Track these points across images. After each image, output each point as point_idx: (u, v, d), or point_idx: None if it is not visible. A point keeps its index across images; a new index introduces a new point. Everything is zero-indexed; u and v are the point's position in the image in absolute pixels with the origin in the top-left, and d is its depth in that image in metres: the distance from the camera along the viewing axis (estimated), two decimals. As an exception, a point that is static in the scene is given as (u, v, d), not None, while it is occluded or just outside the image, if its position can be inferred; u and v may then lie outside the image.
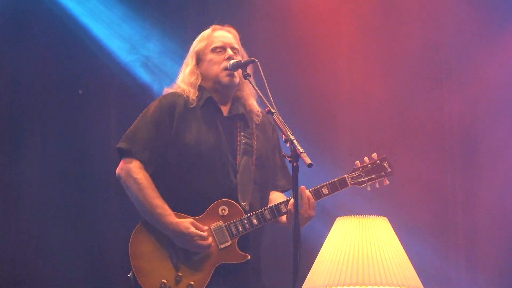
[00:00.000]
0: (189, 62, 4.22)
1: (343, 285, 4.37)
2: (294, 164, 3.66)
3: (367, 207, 5.88)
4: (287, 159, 3.69)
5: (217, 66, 4.16)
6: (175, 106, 4.12)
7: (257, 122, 4.25)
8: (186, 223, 3.98)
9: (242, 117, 4.22)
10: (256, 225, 4.06)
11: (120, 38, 6.29)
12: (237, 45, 4.22)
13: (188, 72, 4.20)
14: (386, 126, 6.19)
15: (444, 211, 6.16)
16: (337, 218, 4.65)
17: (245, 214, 4.06)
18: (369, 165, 4.26)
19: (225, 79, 4.16)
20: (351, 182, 4.22)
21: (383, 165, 4.29)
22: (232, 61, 4.13)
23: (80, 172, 6.09)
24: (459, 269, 6.09)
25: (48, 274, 5.93)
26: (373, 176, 4.27)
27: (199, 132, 4.11)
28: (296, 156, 3.65)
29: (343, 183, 4.21)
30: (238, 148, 4.15)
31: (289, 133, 3.73)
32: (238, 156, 4.13)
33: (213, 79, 4.17)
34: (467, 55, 6.20)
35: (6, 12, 6.05)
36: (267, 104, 3.89)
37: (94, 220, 6.06)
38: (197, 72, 4.19)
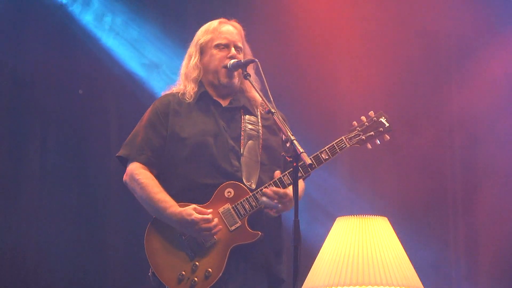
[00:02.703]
0: (193, 54, 4.24)
1: (343, 285, 4.37)
2: (294, 164, 3.66)
3: (367, 207, 5.89)
4: (287, 159, 3.69)
5: (218, 63, 4.17)
6: (169, 105, 4.17)
7: (262, 112, 4.24)
8: (189, 210, 3.99)
9: (244, 108, 4.23)
10: (263, 202, 4.05)
11: (120, 38, 6.29)
12: (241, 42, 4.23)
13: (192, 66, 4.21)
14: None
15: (444, 211, 6.16)
16: (337, 218, 4.65)
17: (251, 193, 4.06)
18: (366, 123, 4.18)
19: (224, 79, 4.18)
20: (350, 143, 4.14)
21: (381, 121, 4.20)
22: (232, 61, 4.14)
23: (80, 172, 6.09)
24: (459, 269, 6.09)
25: (48, 274, 5.93)
26: (372, 133, 4.17)
27: (195, 123, 4.14)
28: (296, 156, 3.66)
29: (341, 145, 4.13)
30: (242, 133, 4.16)
31: (289, 133, 3.74)
32: (242, 141, 4.14)
33: (213, 75, 4.19)
34: (469, 53, 6.19)
35: (6, 12, 6.05)
36: (267, 104, 3.89)
37: (94, 220, 6.07)
38: (200, 66, 4.21)
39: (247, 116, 4.21)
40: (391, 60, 6.24)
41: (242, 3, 6.35)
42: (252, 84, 4.05)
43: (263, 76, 3.97)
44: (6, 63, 6.04)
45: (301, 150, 3.65)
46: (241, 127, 4.18)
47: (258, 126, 4.21)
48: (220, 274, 3.99)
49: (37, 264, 5.94)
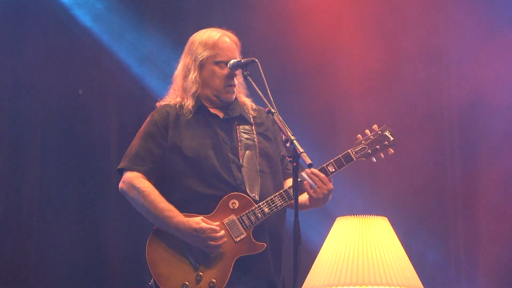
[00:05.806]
0: (191, 68, 4.20)
1: (343, 285, 4.38)
2: (294, 164, 3.67)
3: (367, 207, 5.88)
4: (287, 159, 3.70)
5: (219, 81, 4.17)
6: (168, 117, 4.16)
7: (255, 115, 4.27)
8: (197, 219, 3.99)
9: (240, 117, 4.23)
10: (268, 213, 4.05)
11: (120, 38, 6.29)
12: (238, 56, 4.22)
13: (192, 80, 4.19)
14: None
15: (444, 211, 6.16)
16: (337, 218, 4.65)
17: (256, 204, 4.06)
18: (371, 137, 4.20)
19: (225, 95, 4.18)
20: (356, 156, 4.16)
21: (385, 134, 4.23)
22: (232, 61, 4.14)
23: (80, 172, 6.09)
24: (459, 269, 6.09)
25: (48, 273, 5.93)
26: (377, 147, 4.19)
27: (194, 135, 4.13)
28: (296, 156, 3.66)
29: (348, 158, 4.14)
30: (239, 144, 4.16)
31: (289, 133, 3.74)
32: (240, 152, 4.15)
33: (214, 91, 4.19)
34: (468, 51, 6.19)
35: (6, 11, 6.05)
36: (267, 104, 3.90)
37: (94, 220, 6.06)
38: (199, 81, 4.19)
39: (241, 126, 4.22)
40: (391, 58, 6.24)
41: (242, 5, 6.34)
42: (252, 84, 4.05)
43: (263, 77, 3.97)
44: (6, 63, 6.03)
45: (301, 150, 3.66)
46: (237, 138, 4.18)
47: (253, 134, 4.22)
48: (225, 285, 4.00)
49: (37, 264, 5.94)
